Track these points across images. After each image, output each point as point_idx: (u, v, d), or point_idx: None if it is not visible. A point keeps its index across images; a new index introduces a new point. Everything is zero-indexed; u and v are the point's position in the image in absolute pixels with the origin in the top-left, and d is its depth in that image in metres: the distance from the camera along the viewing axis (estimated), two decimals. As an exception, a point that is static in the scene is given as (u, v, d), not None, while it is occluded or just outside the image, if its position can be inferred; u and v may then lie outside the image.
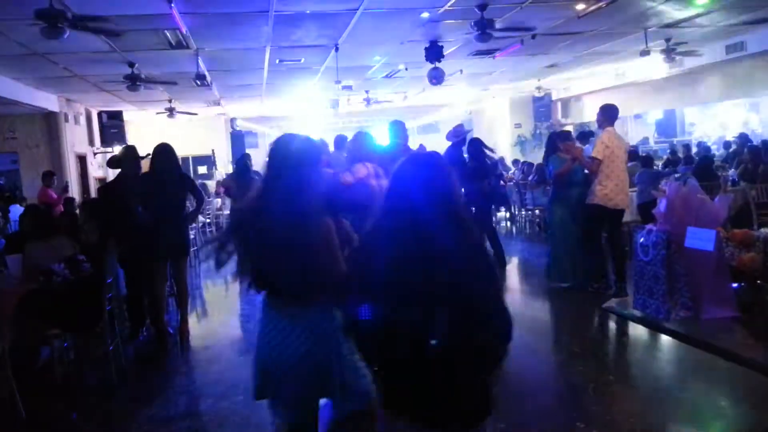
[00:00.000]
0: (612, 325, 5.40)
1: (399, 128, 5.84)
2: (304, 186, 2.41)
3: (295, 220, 2.33)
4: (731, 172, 10.54)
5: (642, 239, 2.75)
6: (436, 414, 2.01)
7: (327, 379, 2.47)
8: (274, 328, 2.50)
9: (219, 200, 14.51)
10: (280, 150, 2.51)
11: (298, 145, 2.55)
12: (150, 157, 5.90)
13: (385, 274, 2.04)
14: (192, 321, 6.87)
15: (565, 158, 6.70)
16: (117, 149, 15.67)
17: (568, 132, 7.96)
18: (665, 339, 4.51)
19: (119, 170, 6.08)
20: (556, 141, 7.04)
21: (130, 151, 6.11)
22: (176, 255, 5.91)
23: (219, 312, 7.28)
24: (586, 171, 6.51)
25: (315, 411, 2.62)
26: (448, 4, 7.30)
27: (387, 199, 2.19)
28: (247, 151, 14.72)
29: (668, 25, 9.42)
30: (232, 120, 19.23)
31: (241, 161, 8.93)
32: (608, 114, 6.65)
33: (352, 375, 2.50)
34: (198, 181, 17.44)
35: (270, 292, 2.52)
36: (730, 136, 14.17)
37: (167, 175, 5.74)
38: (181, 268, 5.99)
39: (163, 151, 5.84)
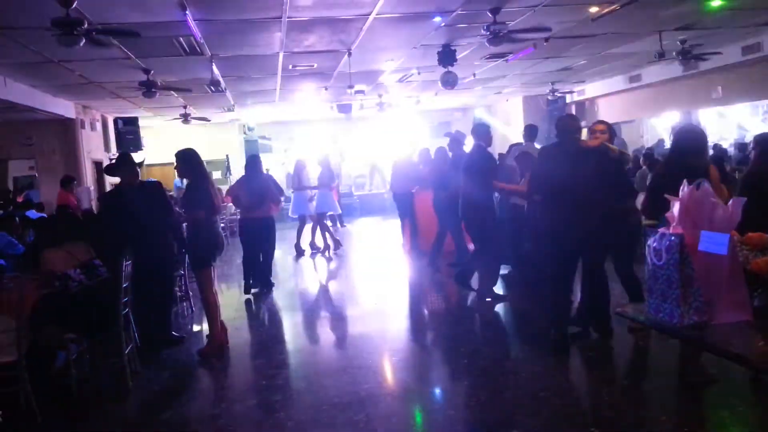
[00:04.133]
0: (625, 330, 5.37)
1: (481, 131, 6.79)
2: None
3: None
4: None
5: (654, 243, 2.72)
6: None
7: None
8: None
9: (232, 205, 14.58)
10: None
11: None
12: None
13: None
14: (205, 326, 6.91)
15: None
16: (134, 155, 15.90)
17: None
18: (679, 344, 4.48)
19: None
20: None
21: (126, 158, 6.04)
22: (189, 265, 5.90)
23: (233, 317, 7.31)
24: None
25: None
26: (460, 8, 7.30)
27: None
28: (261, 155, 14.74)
29: (683, 27, 9.34)
30: (246, 125, 19.35)
31: (252, 164, 7.96)
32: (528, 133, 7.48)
33: None
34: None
35: None
36: (748, 138, 14.01)
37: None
38: (201, 278, 5.71)
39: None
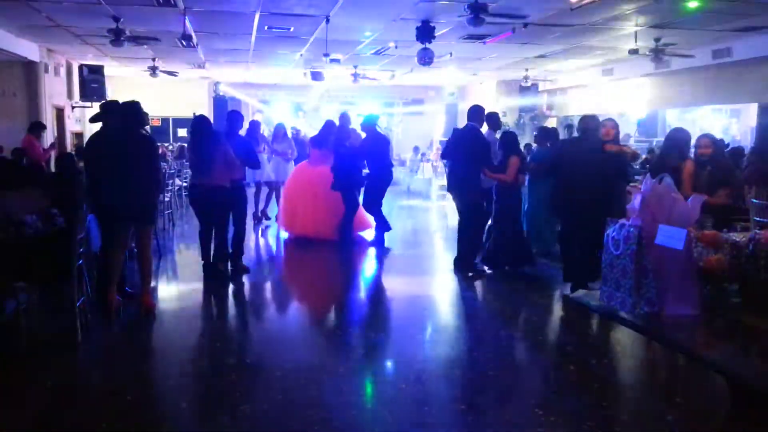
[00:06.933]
0: (576, 315, 5.52)
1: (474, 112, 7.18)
2: None
3: None
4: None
5: (614, 233, 2.79)
6: None
7: None
8: None
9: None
10: None
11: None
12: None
13: None
14: (162, 284, 6.84)
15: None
16: (96, 105, 15.47)
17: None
18: (627, 332, 4.61)
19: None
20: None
21: (109, 106, 5.85)
22: (137, 221, 5.46)
23: (190, 276, 7.23)
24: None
25: None
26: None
27: None
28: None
29: (658, 25, 9.47)
30: (216, 84, 19.00)
31: (199, 125, 6.61)
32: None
33: None
34: (177, 144, 17.17)
35: None
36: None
37: (126, 134, 5.37)
38: (143, 236, 5.55)
39: (123, 109, 5.48)
